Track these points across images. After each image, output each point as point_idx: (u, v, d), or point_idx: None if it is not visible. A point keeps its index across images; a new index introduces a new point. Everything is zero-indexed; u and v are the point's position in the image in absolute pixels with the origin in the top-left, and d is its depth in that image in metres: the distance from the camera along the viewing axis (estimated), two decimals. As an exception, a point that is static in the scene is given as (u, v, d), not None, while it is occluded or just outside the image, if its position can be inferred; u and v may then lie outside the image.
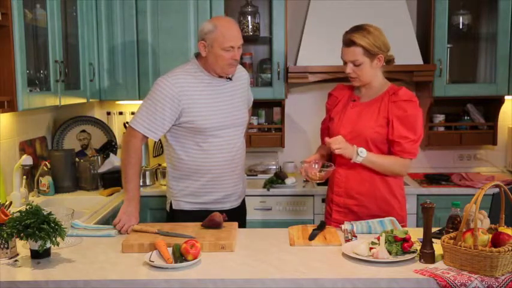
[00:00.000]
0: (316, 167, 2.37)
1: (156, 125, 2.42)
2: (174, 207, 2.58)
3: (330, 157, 2.58)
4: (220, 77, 2.51)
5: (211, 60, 2.45)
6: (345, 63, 2.44)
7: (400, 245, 1.92)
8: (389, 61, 2.47)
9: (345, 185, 2.47)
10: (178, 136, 2.49)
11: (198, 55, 2.53)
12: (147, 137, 2.45)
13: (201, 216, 2.38)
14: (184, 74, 2.47)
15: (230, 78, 2.55)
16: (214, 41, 2.41)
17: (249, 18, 3.70)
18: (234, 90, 2.56)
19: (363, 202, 2.43)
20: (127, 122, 3.80)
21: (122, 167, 2.47)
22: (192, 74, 2.48)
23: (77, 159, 3.41)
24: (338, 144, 2.33)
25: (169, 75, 2.47)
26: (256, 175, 3.79)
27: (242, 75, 2.66)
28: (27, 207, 1.93)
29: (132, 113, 3.85)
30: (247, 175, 3.78)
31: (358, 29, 2.40)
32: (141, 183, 3.43)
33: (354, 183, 2.44)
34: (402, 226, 2.30)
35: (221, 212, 2.35)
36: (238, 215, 2.58)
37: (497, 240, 1.79)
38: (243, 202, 2.75)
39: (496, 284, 1.72)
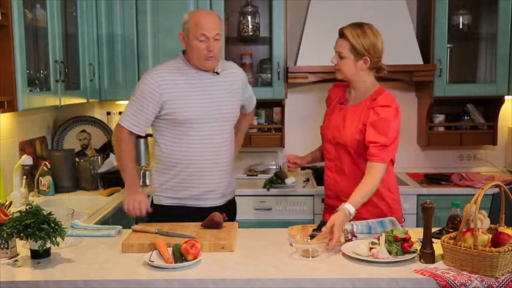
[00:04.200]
0: (310, 240, 2.08)
1: (140, 120, 2.46)
2: (154, 201, 2.57)
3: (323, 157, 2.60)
4: (206, 70, 2.51)
5: (189, 52, 2.47)
6: (335, 53, 2.44)
7: (400, 245, 1.92)
8: (378, 69, 2.43)
9: (334, 188, 2.48)
10: (160, 129, 2.50)
11: (185, 51, 2.55)
12: (134, 133, 2.49)
13: (179, 213, 2.40)
14: (166, 68, 2.50)
15: (217, 73, 2.53)
16: (189, 30, 2.42)
17: (249, 18, 3.71)
18: (221, 85, 2.53)
19: None
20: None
21: (116, 162, 2.55)
22: (176, 67, 2.49)
23: (77, 159, 3.41)
24: (332, 240, 2.06)
25: (152, 70, 2.55)
26: (256, 175, 3.79)
27: (235, 71, 2.63)
28: (27, 207, 1.93)
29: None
30: (247, 175, 3.79)
31: (356, 25, 2.39)
32: (140, 183, 3.44)
33: (342, 186, 2.44)
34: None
35: (201, 209, 2.39)
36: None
37: (497, 240, 1.79)
38: (232, 203, 2.68)
39: (496, 284, 1.72)
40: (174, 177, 2.51)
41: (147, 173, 3.53)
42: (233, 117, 2.60)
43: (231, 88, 2.57)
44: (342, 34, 2.41)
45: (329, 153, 2.50)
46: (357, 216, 2.36)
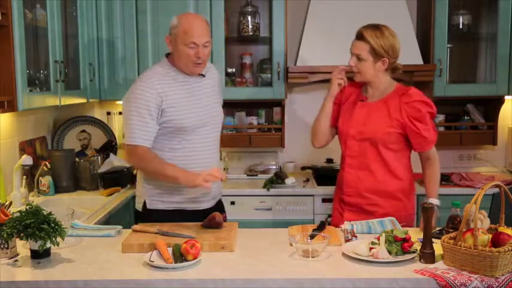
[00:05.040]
0: (310, 240, 2.09)
1: (151, 133, 2.39)
2: (148, 206, 2.52)
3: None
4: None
5: (177, 57, 2.43)
6: (352, 55, 2.46)
7: (400, 245, 1.92)
8: (394, 69, 2.49)
9: (355, 185, 2.49)
10: (157, 135, 2.44)
11: (169, 55, 2.51)
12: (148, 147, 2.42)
13: (176, 216, 2.38)
14: (157, 74, 2.43)
15: (203, 75, 2.52)
16: (177, 36, 2.38)
17: (249, 18, 3.71)
18: (206, 87, 2.53)
19: (376, 201, 2.46)
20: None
21: (153, 176, 2.44)
22: (164, 74, 2.44)
23: (77, 159, 3.40)
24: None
25: (143, 80, 2.41)
26: (256, 175, 3.79)
27: (213, 72, 2.63)
28: (27, 207, 1.93)
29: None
30: (247, 175, 3.79)
31: (374, 27, 2.42)
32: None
33: (367, 183, 2.47)
34: (404, 226, 2.28)
35: (196, 211, 2.38)
36: None
37: (497, 240, 1.79)
38: (220, 204, 2.68)
39: (496, 284, 1.72)
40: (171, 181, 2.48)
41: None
42: (221, 118, 2.61)
43: (213, 89, 2.58)
44: (360, 36, 2.42)
45: (351, 150, 2.50)
46: (381, 211, 2.43)
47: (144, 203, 2.54)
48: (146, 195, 2.54)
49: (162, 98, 2.38)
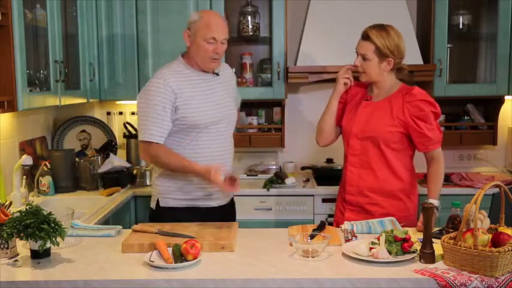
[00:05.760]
0: (310, 240, 2.09)
1: (165, 130, 2.41)
2: (161, 204, 2.54)
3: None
4: (207, 72, 2.52)
5: (194, 51, 2.46)
6: (357, 55, 2.47)
7: (400, 245, 1.92)
8: (400, 69, 2.50)
9: (357, 184, 2.50)
10: (170, 132, 2.46)
11: (184, 54, 2.54)
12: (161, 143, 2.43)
13: (189, 213, 2.39)
14: (172, 73, 2.46)
15: (217, 74, 2.56)
16: (198, 30, 2.41)
17: (249, 18, 3.71)
18: (221, 86, 2.56)
19: (377, 200, 2.46)
20: (127, 122, 3.80)
21: (169, 170, 2.47)
22: (179, 72, 2.47)
23: (77, 159, 3.40)
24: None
25: (159, 77, 2.43)
26: (256, 175, 3.79)
27: (228, 72, 2.68)
28: (27, 207, 1.93)
29: (133, 113, 3.86)
30: (247, 175, 3.79)
31: (379, 27, 2.43)
32: (144, 183, 3.45)
33: (368, 181, 2.48)
34: (404, 226, 2.28)
35: (210, 209, 2.42)
36: (227, 215, 2.57)
37: (497, 240, 1.79)
38: (232, 203, 2.71)
39: (496, 284, 1.72)
40: (184, 178, 2.49)
41: (147, 173, 3.51)
42: (235, 117, 2.64)
43: (228, 89, 2.61)
44: (366, 36, 2.43)
45: (354, 148, 2.51)
46: (381, 211, 2.44)
47: (158, 201, 2.56)
48: (159, 193, 2.56)
49: (177, 95, 2.41)
